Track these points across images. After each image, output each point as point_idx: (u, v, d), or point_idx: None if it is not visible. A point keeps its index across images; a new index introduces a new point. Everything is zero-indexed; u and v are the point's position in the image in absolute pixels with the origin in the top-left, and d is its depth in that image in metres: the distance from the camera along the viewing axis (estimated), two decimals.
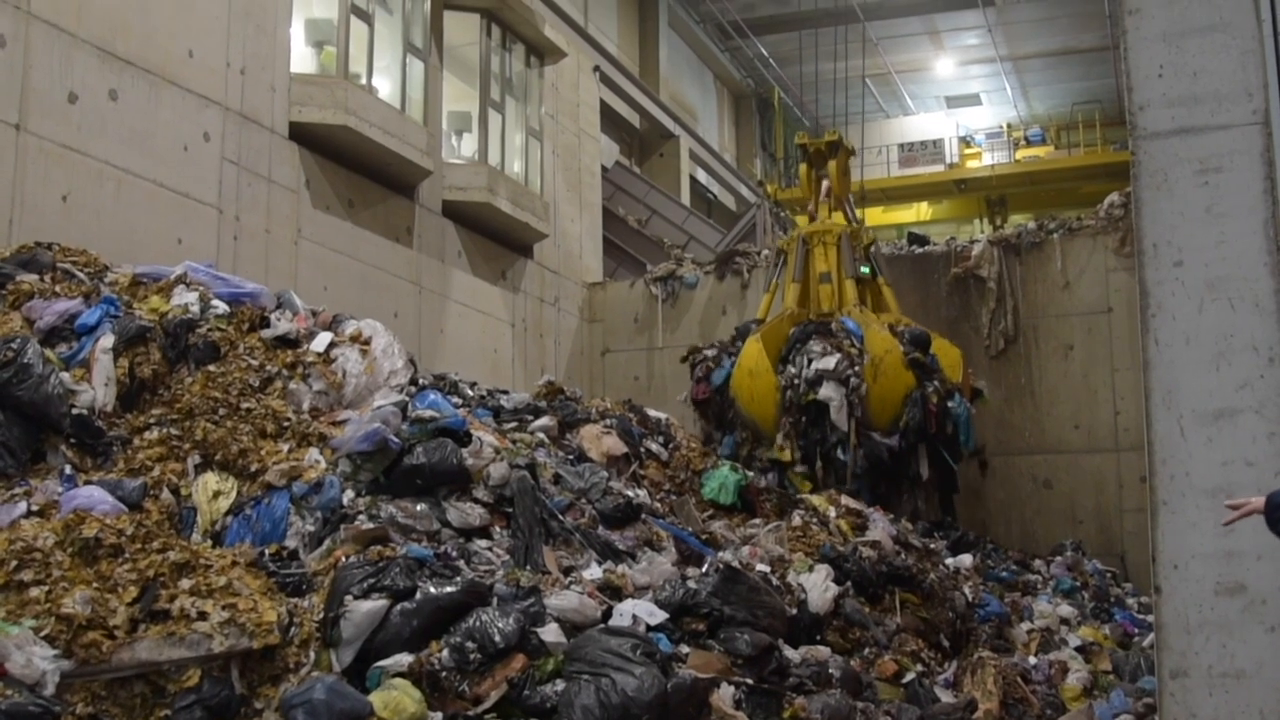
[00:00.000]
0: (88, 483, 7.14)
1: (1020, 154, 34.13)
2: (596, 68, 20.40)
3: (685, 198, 24.09)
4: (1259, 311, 4.62)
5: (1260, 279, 4.64)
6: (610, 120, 21.98)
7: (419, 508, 7.44)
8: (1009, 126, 34.82)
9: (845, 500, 11.21)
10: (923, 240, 17.27)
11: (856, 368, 12.91)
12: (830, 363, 12.90)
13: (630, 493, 9.10)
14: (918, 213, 34.84)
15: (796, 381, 13.04)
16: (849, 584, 8.79)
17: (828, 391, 12.84)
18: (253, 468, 7.54)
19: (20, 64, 9.65)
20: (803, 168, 15.41)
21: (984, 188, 33.84)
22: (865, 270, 14.62)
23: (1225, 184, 4.70)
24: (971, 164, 34.03)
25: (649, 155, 24.70)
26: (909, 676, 8.00)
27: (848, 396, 12.79)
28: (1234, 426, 4.58)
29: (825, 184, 14.96)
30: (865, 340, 13.25)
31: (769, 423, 13.36)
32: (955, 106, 34.64)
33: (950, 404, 13.48)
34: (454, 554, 7.04)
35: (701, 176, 26.89)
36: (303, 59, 13.26)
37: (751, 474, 11.39)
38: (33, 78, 9.75)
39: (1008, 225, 27.52)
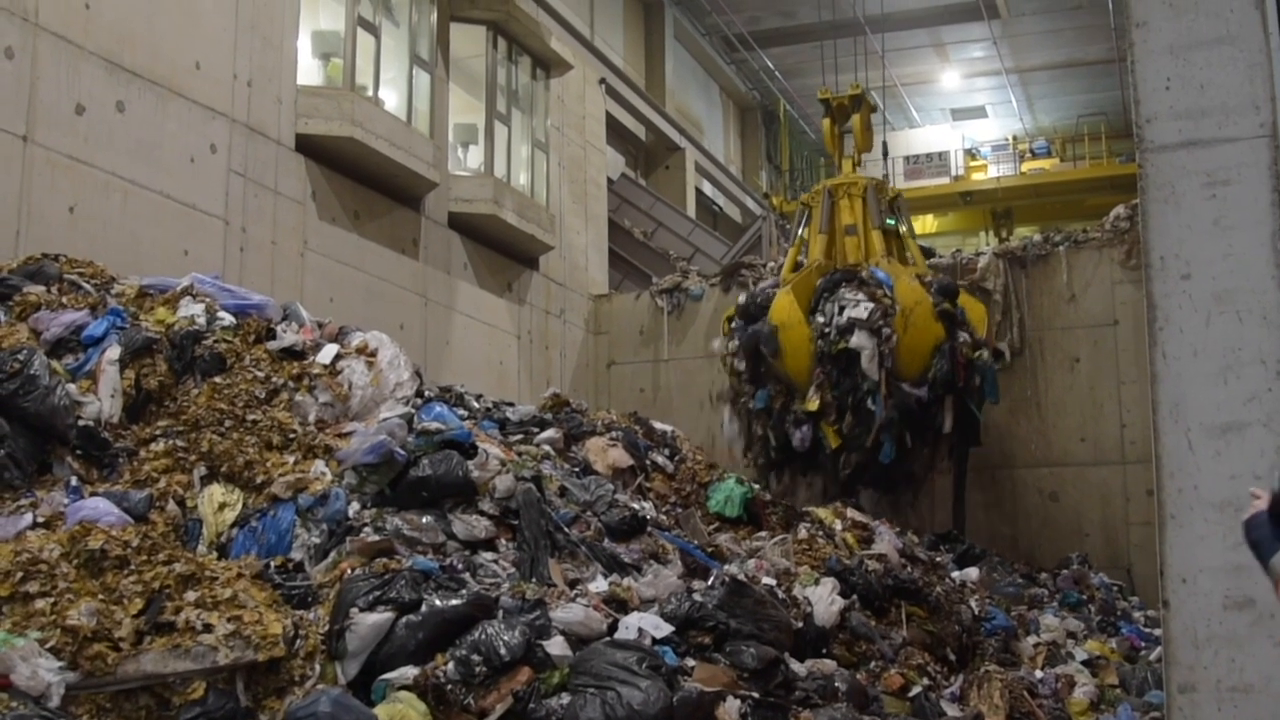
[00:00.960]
0: (93, 494, 7.13)
1: (1026, 166, 34.10)
2: (602, 80, 20.43)
3: (691, 210, 24.09)
4: (1267, 324, 4.61)
5: (1268, 292, 4.63)
6: (616, 132, 22.01)
7: (424, 520, 7.43)
8: (1014, 139, 34.80)
9: (851, 513, 11.18)
10: (929, 253, 17.25)
11: (889, 317, 12.83)
12: (864, 311, 12.79)
13: (636, 505, 9.09)
14: (923, 225, 34.81)
15: (827, 330, 12.92)
16: (855, 597, 8.77)
17: (860, 340, 12.73)
18: (258, 480, 7.54)
19: (28, 76, 9.67)
20: (826, 123, 15.33)
21: (989, 200, 33.80)
22: (891, 222, 14.57)
23: (1233, 197, 4.70)
24: (977, 176, 34.00)
25: (655, 167, 24.71)
26: (915, 690, 7.98)
27: (879, 347, 12.73)
28: (1242, 440, 4.57)
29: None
30: (895, 291, 13.16)
31: (802, 375, 13.20)
32: (961, 119, 34.63)
33: (978, 356, 13.45)
34: (459, 566, 7.03)
35: (707, 189, 26.89)
36: (309, 71, 13.29)
37: (757, 487, 11.36)
38: (40, 89, 9.77)
39: (1013, 238, 27.52)
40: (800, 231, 14.80)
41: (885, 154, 15.74)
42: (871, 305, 12.86)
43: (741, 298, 14.54)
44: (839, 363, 12.90)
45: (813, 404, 12.92)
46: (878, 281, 13.24)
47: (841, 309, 12.99)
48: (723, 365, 14.64)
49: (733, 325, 14.19)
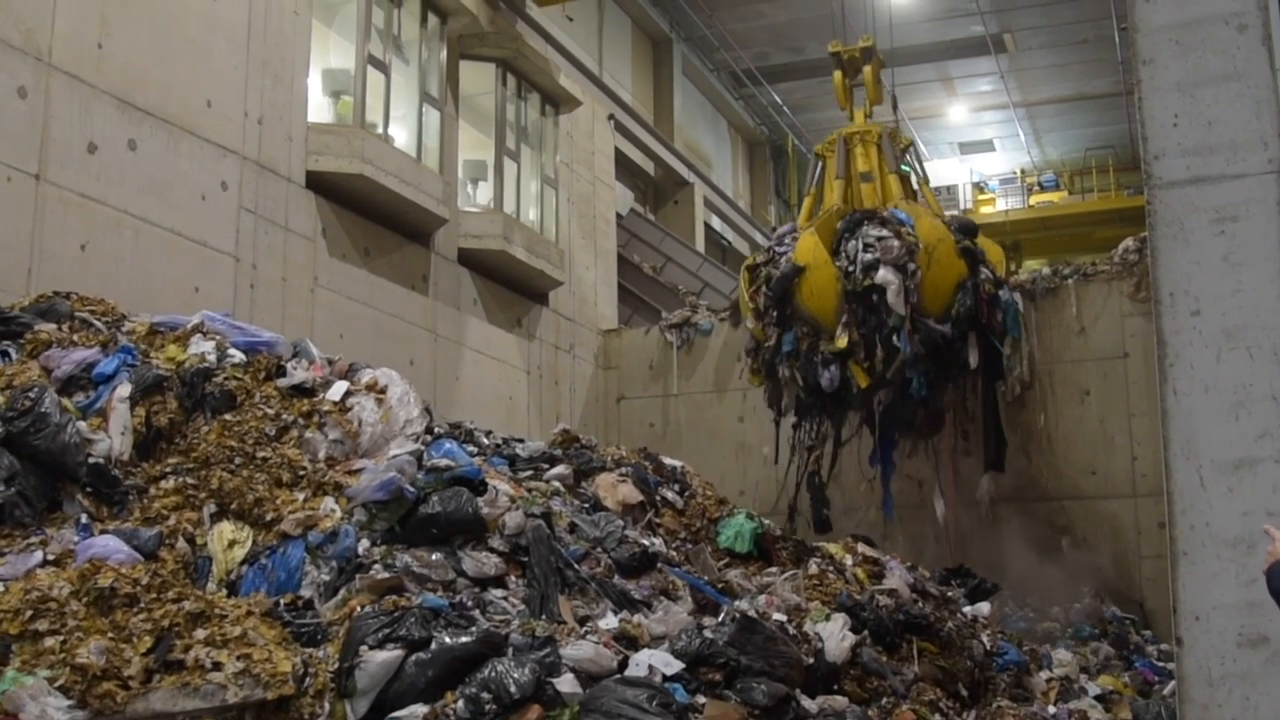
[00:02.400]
0: (103, 532, 7.14)
1: (1034, 199, 34.16)
2: (611, 116, 20.51)
3: (700, 244, 24.13)
4: (1277, 360, 4.60)
5: (1278, 327, 4.63)
6: (625, 168, 22.07)
7: (434, 557, 7.42)
8: (1022, 172, 34.87)
9: (862, 548, 11.15)
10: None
11: (913, 253, 12.88)
12: (892, 245, 12.83)
13: (646, 541, 9.07)
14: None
15: (851, 269, 12.94)
16: (866, 633, 8.73)
17: (885, 275, 12.77)
18: (268, 517, 7.54)
19: (41, 114, 9.74)
20: (837, 75, 15.37)
21: (998, 233, 33.66)
22: (906, 168, 14.63)
23: (1241, 233, 4.70)
24: (985, 210, 34.06)
25: (664, 202, 24.77)
26: None
27: (905, 282, 12.75)
28: (1254, 476, 4.55)
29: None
30: (916, 229, 13.19)
31: (828, 315, 13.21)
32: (969, 152, 34.72)
33: (1000, 293, 13.47)
34: (469, 604, 7.01)
35: (716, 223, 26.94)
36: (320, 109, 13.36)
37: (767, 523, 11.32)
38: (53, 128, 9.84)
39: (1022, 271, 27.51)
40: (814, 182, 14.83)
41: (895, 107, 15.83)
42: (897, 242, 12.87)
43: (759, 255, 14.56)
44: (865, 300, 12.95)
45: (841, 342, 12.96)
46: (899, 220, 13.30)
47: (866, 246, 13.03)
48: (743, 313, 14.58)
49: (754, 273, 14.20)
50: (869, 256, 12.93)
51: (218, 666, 5.93)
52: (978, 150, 34.73)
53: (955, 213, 15.86)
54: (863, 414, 13.79)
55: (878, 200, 14.02)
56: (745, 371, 14.85)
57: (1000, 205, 34.23)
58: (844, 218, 13.69)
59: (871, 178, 14.25)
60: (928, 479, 15.39)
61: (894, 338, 12.82)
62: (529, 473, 9.89)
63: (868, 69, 15.17)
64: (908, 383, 12.82)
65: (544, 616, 7.21)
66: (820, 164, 14.85)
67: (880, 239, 13.05)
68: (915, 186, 14.71)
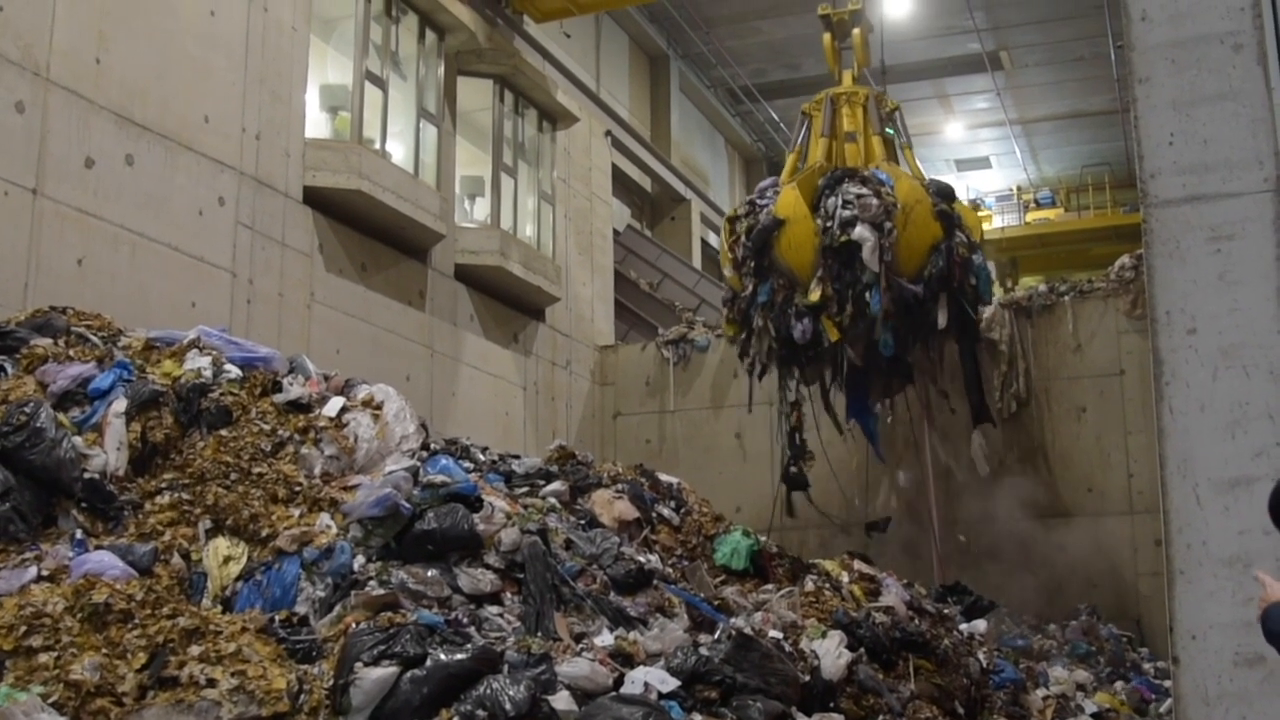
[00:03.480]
0: (98, 547, 7.12)
1: (1030, 216, 34.21)
2: (608, 132, 20.54)
3: (697, 261, 24.15)
4: (1274, 379, 4.61)
5: (1274, 346, 4.63)
6: (622, 184, 22.11)
7: (430, 573, 7.40)
8: (1019, 189, 34.93)
9: (859, 565, 11.14)
10: None
11: (890, 213, 13.02)
12: (870, 203, 12.95)
13: (642, 558, 9.05)
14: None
15: (829, 225, 13.07)
16: (862, 650, 8.70)
17: (862, 232, 12.95)
18: (264, 533, 7.52)
19: (38, 129, 9.75)
20: (826, 37, 15.46)
21: (994, 250, 33.87)
22: (890, 132, 14.71)
23: (1237, 251, 4.71)
24: (982, 226, 34.07)
25: (660, 219, 24.80)
26: None
27: (880, 240, 12.86)
28: (1250, 495, 4.55)
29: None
30: (895, 190, 13.33)
31: (805, 268, 13.36)
32: (965, 169, 34.78)
33: (974, 257, 13.65)
34: (465, 620, 7.00)
35: (713, 240, 26.93)
36: (317, 124, 13.38)
37: (763, 540, 11.29)
38: (50, 143, 9.85)
39: (1018, 288, 27.54)
40: (800, 139, 14.91)
41: (884, 71, 15.91)
42: (875, 200, 12.98)
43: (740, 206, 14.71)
44: (841, 256, 13.09)
45: (815, 295, 13.15)
46: (879, 180, 13.48)
47: (845, 203, 13.19)
48: (722, 263, 14.79)
49: (734, 225, 14.33)
50: (847, 213, 13.16)
51: (212, 683, 5.91)
52: (974, 167, 34.78)
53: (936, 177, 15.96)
54: (833, 368, 13.95)
55: (860, 160, 14.17)
56: (721, 323, 15.14)
57: (997, 222, 34.27)
58: (825, 175, 13.83)
59: (856, 138, 14.44)
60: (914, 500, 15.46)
61: (866, 294, 12.95)
62: (525, 489, 9.88)
63: (856, 32, 15.33)
64: (877, 340, 12.91)
65: (540, 633, 7.20)
66: (806, 122, 14.95)
67: (859, 197, 13.27)
68: (898, 150, 14.84)
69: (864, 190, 13.28)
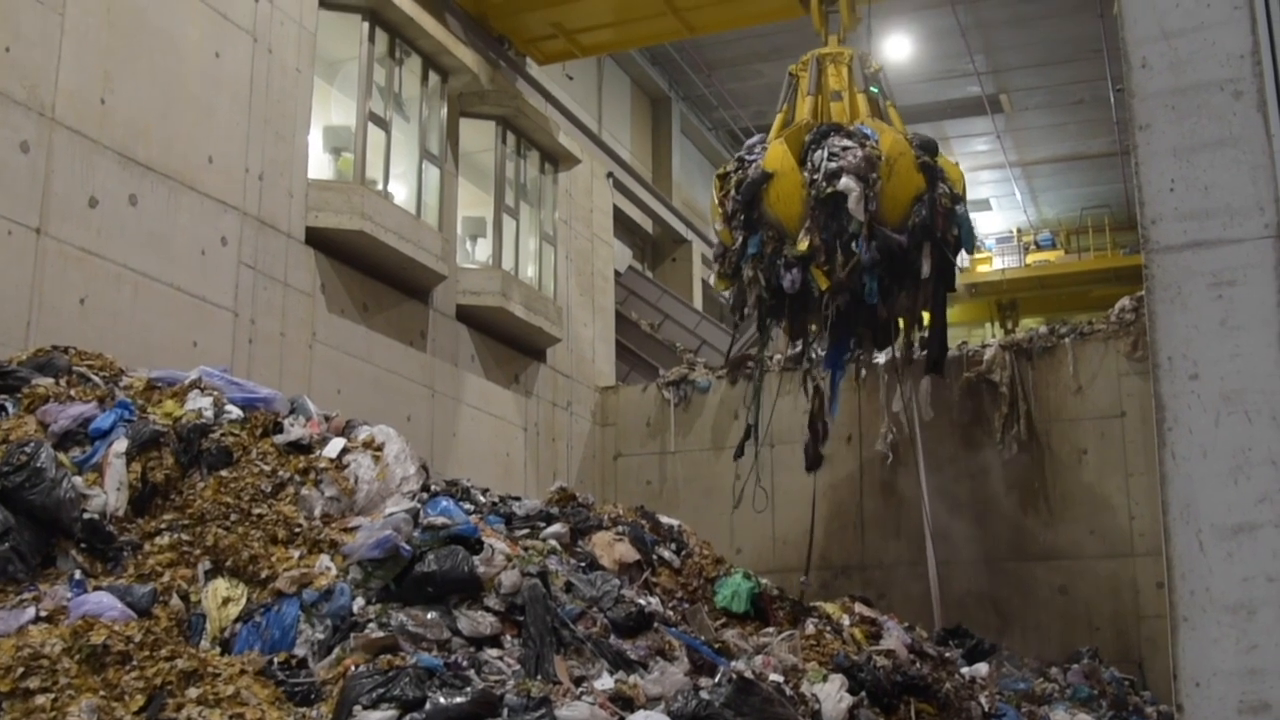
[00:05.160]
0: (97, 588, 7.09)
1: (1031, 258, 34.28)
2: (610, 174, 20.63)
3: (698, 302, 24.19)
4: (1276, 424, 4.60)
5: (1276, 392, 4.62)
6: (623, 225, 22.17)
7: (430, 616, 7.37)
8: (1019, 231, 35.02)
9: (859, 608, 11.10)
10: None
11: (874, 164, 13.19)
12: (856, 155, 13.17)
13: (642, 601, 9.02)
14: (929, 317, 34.89)
15: (816, 177, 13.26)
16: (863, 694, 8.67)
17: (848, 183, 13.08)
18: (263, 574, 7.51)
19: (43, 169, 9.79)
20: (814, 1, 15.56)
21: (995, 292, 33.94)
22: (875, 90, 14.83)
23: (1239, 297, 4.71)
24: (982, 268, 34.16)
25: (662, 260, 24.86)
26: None
27: (865, 190, 13.04)
28: (1254, 541, 4.53)
29: None
30: (880, 143, 13.49)
31: (793, 220, 13.49)
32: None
33: (957, 208, 13.85)
34: (464, 663, 6.97)
35: (714, 281, 27.02)
36: (320, 165, 13.44)
37: (764, 583, 11.26)
38: (54, 183, 9.88)
39: (1019, 329, 27.58)
40: (786, 99, 15.05)
41: (869, 35, 16.00)
42: (860, 151, 13.25)
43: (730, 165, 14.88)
44: (828, 207, 13.24)
45: (803, 245, 13.29)
46: (864, 134, 13.65)
47: (831, 155, 13.39)
48: (712, 218, 14.96)
49: (724, 181, 14.48)
50: (833, 165, 13.34)
51: None
52: (974, 209, 34.72)
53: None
54: (821, 316, 14.10)
55: (846, 118, 14.32)
56: (714, 278, 15.23)
57: (997, 264, 34.36)
58: (812, 130, 14.06)
59: (841, 96, 14.57)
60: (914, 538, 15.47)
61: (853, 243, 13.13)
62: (525, 531, 9.86)
63: None
64: (863, 287, 13.10)
65: (539, 677, 7.16)
66: (793, 82, 15.11)
67: (845, 149, 13.46)
68: (883, 108, 14.98)
69: (849, 143, 13.54)
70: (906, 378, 15.62)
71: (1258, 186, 4.78)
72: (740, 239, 13.98)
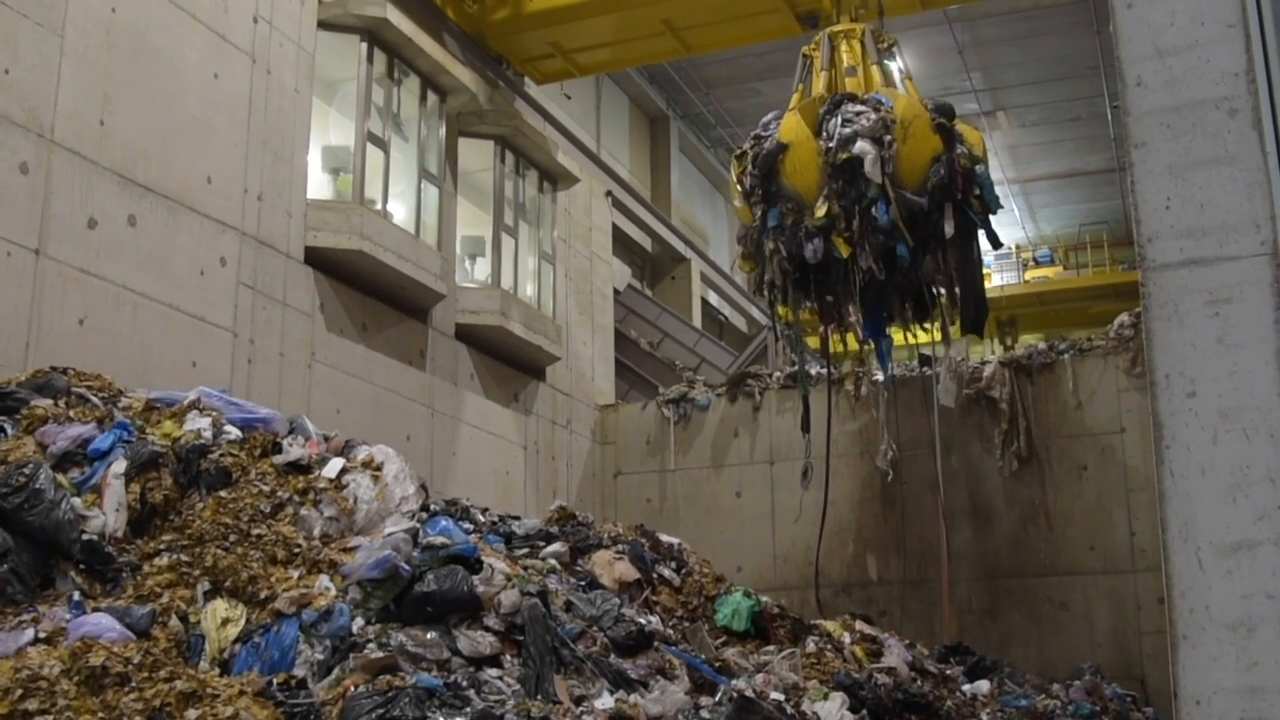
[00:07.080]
0: (96, 610, 7.08)
1: (1029, 275, 34.34)
2: (609, 192, 20.66)
3: (697, 320, 24.22)
4: (1274, 442, 4.60)
5: (1274, 409, 4.63)
6: (622, 243, 22.20)
7: (429, 636, 7.36)
8: (1017, 248, 35.07)
9: (860, 625, 11.09)
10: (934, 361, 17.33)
11: (889, 127, 13.26)
12: (870, 117, 13.24)
13: (642, 620, 9.01)
14: (929, 334, 34.92)
15: (831, 145, 13.33)
16: (865, 712, 8.66)
17: (863, 146, 13.17)
18: (262, 595, 7.50)
19: (42, 190, 9.81)
20: None
21: (994, 308, 33.89)
22: (888, 63, 14.88)
23: (1236, 315, 4.71)
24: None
25: (661, 278, 24.89)
26: None
27: (881, 153, 13.12)
28: (1253, 559, 4.53)
29: None
30: (894, 109, 13.55)
31: (811, 190, 13.59)
32: None
33: (976, 169, 13.85)
34: (464, 683, 6.95)
35: (713, 299, 27.05)
36: (319, 185, 13.47)
37: (765, 601, 11.24)
38: (53, 204, 9.90)
39: (1018, 346, 27.59)
40: (800, 82, 15.12)
41: (881, 13, 16.07)
42: (874, 114, 13.33)
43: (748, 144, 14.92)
44: (844, 173, 13.29)
45: (821, 212, 13.37)
46: (878, 100, 13.73)
47: (845, 122, 13.46)
48: (731, 196, 15.03)
49: (741, 159, 14.56)
50: (847, 130, 13.41)
51: None
52: None
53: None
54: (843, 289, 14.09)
55: (860, 90, 14.35)
56: (737, 260, 15.45)
57: (996, 280, 34.39)
58: (826, 102, 14.14)
59: (855, 71, 14.65)
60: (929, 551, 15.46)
61: (872, 208, 13.15)
62: (525, 550, 9.85)
63: None
64: (892, 252, 13.15)
65: (539, 696, 7.15)
66: (807, 63, 15.15)
67: (859, 114, 13.56)
68: (899, 79, 15.01)
69: (863, 108, 13.61)
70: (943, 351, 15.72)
71: (1253, 204, 4.79)
72: (759, 214, 14.02)
